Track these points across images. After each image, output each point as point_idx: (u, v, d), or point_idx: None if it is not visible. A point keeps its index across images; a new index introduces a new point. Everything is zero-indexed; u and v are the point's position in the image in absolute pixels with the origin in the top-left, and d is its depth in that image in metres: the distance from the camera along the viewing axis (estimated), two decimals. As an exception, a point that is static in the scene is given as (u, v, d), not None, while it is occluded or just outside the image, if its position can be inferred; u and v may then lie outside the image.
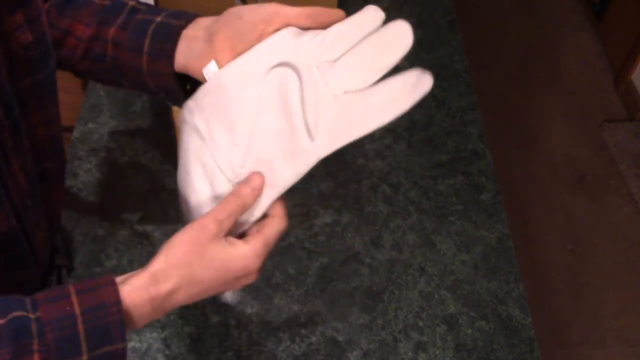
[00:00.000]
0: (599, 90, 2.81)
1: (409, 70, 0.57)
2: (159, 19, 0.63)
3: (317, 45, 0.57)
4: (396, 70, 0.57)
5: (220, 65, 0.59)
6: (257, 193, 0.58)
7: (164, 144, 1.16)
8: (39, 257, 0.64)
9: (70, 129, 1.17)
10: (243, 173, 0.59)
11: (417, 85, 0.57)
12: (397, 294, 1.02)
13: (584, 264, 2.23)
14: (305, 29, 0.59)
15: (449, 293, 1.02)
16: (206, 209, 0.58)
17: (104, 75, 0.67)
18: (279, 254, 1.04)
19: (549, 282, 2.17)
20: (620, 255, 2.26)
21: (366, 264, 1.05)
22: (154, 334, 0.94)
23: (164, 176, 1.12)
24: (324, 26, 0.59)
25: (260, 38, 0.59)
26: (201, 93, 0.60)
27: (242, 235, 0.59)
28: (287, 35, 0.59)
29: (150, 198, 1.09)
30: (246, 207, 0.58)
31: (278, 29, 0.59)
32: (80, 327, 0.48)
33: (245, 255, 0.56)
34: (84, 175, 1.11)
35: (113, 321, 0.49)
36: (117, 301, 0.50)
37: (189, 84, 0.63)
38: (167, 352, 0.92)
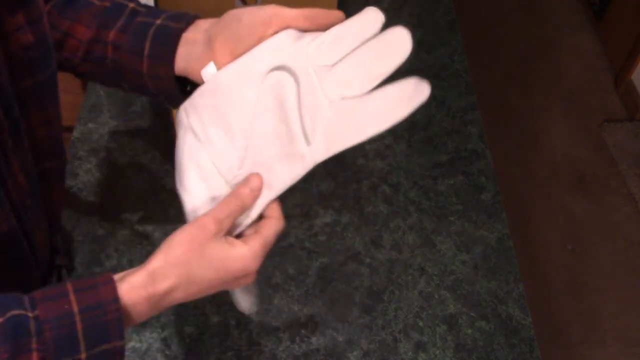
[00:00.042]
0: (599, 90, 2.81)
1: (407, 79, 0.57)
2: (158, 21, 0.63)
3: (316, 49, 0.57)
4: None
5: (219, 69, 0.60)
6: (256, 194, 0.58)
7: (164, 144, 1.16)
8: (39, 257, 0.64)
9: (70, 129, 1.17)
10: (241, 175, 0.59)
11: (414, 93, 0.57)
12: (397, 294, 1.02)
13: (584, 264, 2.23)
14: (305, 30, 0.59)
15: (449, 293, 1.02)
16: (202, 210, 0.58)
17: (105, 77, 0.67)
18: (279, 254, 1.04)
19: (549, 282, 2.17)
20: (620, 255, 2.26)
21: (366, 264, 1.05)
22: (154, 334, 0.94)
23: (164, 176, 1.12)
24: (323, 28, 0.59)
25: (259, 41, 0.59)
26: (198, 94, 0.60)
27: (238, 237, 0.59)
28: (286, 37, 0.59)
29: (150, 198, 1.09)
30: (245, 208, 0.58)
31: (277, 31, 0.59)
32: (79, 326, 0.48)
33: (244, 256, 0.56)
34: (84, 175, 1.11)
35: (111, 319, 0.49)
36: (116, 299, 0.50)
37: (189, 87, 0.63)
38: (167, 352, 0.92)
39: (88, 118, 1.19)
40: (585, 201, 2.40)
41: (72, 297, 0.49)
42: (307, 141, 0.57)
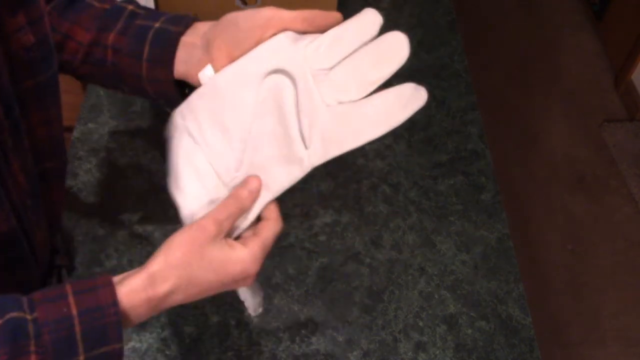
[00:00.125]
0: (599, 90, 2.81)
1: (404, 84, 0.57)
2: (157, 24, 0.63)
3: (314, 51, 0.57)
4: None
5: (217, 72, 0.60)
6: (255, 196, 0.58)
7: (164, 144, 1.16)
8: (39, 257, 0.64)
9: (70, 129, 1.17)
10: (238, 177, 0.59)
11: (411, 99, 0.57)
12: (397, 294, 1.02)
13: (584, 264, 2.23)
14: (303, 32, 0.59)
15: (449, 293, 1.02)
16: (200, 212, 0.58)
17: (105, 80, 0.67)
18: (279, 254, 1.04)
19: (549, 282, 2.17)
20: (620, 255, 2.26)
21: (366, 264, 1.05)
22: (154, 334, 0.94)
23: (164, 176, 1.12)
24: (321, 29, 0.58)
25: (257, 43, 0.59)
26: (195, 97, 0.60)
27: (236, 239, 0.59)
28: (283, 40, 0.58)
29: (150, 198, 1.09)
30: (244, 210, 0.58)
31: (275, 34, 0.59)
32: (77, 329, 0.48)
33: (244, 259, 0.56)
34: (84, 175, 1.11)
35: (110, 322, 0.49)
36: (115, 303, 0.50)
37: (187, 90, 0.63)
38: (167, 352, 0.92)
39: (88, 118, 1.19)
40: (585, 201, 2.41)
41: (71, 299, 0.49)
42: (305, 144, 0.57)
